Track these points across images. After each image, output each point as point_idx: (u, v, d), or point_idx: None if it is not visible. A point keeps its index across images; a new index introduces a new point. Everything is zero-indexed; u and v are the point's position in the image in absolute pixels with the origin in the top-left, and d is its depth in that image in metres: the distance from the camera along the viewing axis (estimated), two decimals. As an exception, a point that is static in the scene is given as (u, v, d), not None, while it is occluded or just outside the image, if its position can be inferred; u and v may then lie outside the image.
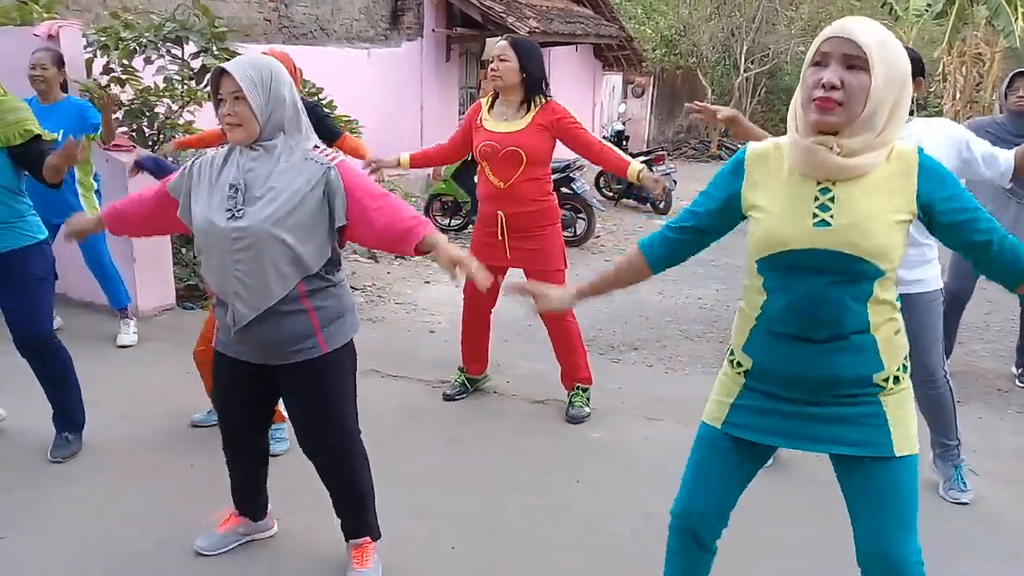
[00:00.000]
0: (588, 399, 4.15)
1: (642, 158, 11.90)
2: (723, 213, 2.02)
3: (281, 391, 2.70)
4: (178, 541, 2.96)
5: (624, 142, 12.38)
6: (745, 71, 19.49)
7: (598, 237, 9.40)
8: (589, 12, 14.73)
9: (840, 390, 1.89)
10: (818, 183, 1.84)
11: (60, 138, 4.52)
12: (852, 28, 1.77)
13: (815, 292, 1.83)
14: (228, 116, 2.41)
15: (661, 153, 12.00)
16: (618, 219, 10.88)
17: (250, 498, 2.93)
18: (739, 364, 2.02)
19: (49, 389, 3.57)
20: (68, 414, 3.62)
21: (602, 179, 12.37)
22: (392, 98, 11.00)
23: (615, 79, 18.28)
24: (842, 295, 1.83)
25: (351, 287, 6.50)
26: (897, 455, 1.89)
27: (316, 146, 2.52)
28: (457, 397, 4.31)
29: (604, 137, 13.14)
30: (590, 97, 16.38)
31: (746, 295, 1.99)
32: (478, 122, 3.99)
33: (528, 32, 11.60)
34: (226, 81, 2.40)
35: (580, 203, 8.97)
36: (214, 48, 5.27)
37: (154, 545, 2.97)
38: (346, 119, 6.16)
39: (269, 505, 3.01)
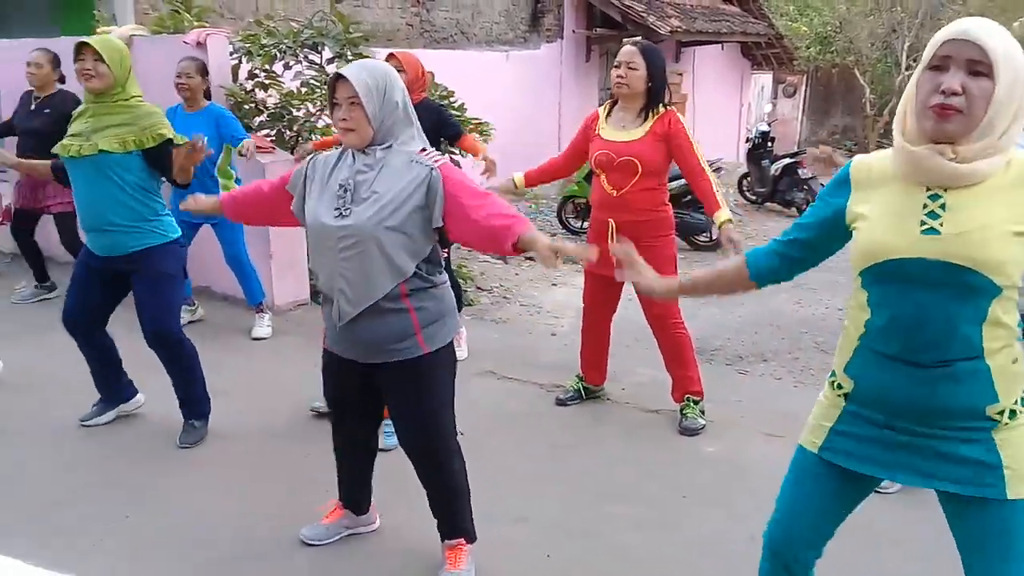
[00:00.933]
0: (702, 411, 4.00)
1: (786, 160, 11.47)
2: (828, 227, 1.89)
3: (382, 390, 2.74)
4: (287, 529, 3.06)
5: (770, 144, 11.95)
6: (907, 69, 18.41)
7: (735, 242, 9.10)
8: (736, 10, 14.32)
9: (948, 421, 1.73)
10: (928, 189, 1.69)
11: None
12: (976, 31, 1.62)
13: (922, 308, 1.68)
14: (343, 120, 2.48)
15: (806, 155, 11.51)
16: (759, 223, 10.51)
17: (355, 492, 3.00)
18: (840, 386, 1.88)
19: (175, 380, 3.77)
20: (194, 403, 3.81)
21: (744, 182, 11.99)
22: (530, 100, 11.07)
23: (764, 78, 17.69)
24: (952, 313, 1.66)
25: (478, 288, 6.61)
26: (1010, 498, 1.70)
27: (423, 149, 2.56)
28: (570, 403, 4.25)
29: (748, 139, 12.74)
30: (736, 97, 15.92)
31: (850, 314, 1.86)
32: (595, 131, 3.93)
33: (669, 31, 11.40)
34: (342, 86, 2.48)
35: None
36: (348, 53, 5.44)
37: (265, 531, 3.08)
38: (476, 121, 6.22)
39: (373, 500, 3.07)
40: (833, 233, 1.90)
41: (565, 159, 4.15)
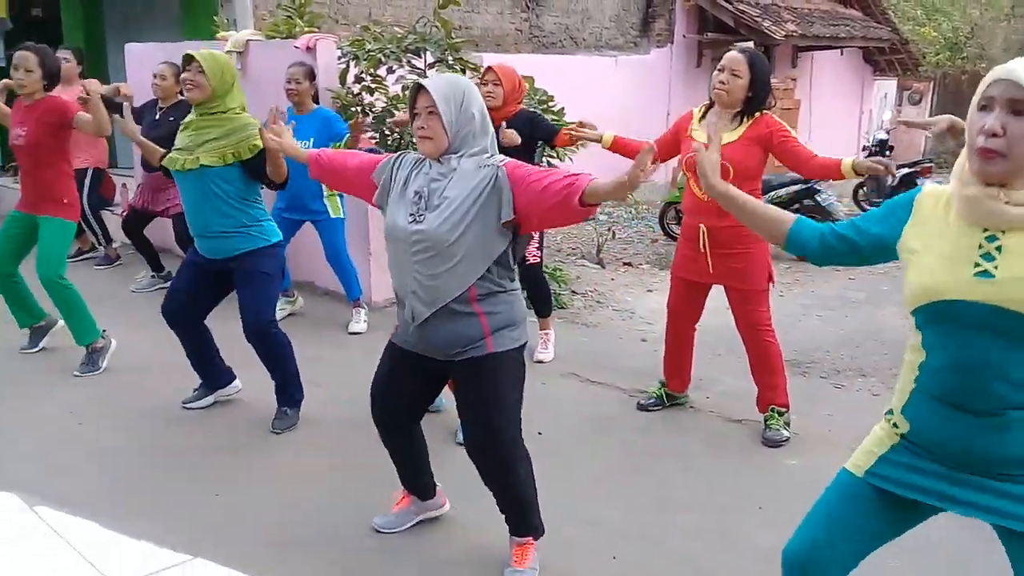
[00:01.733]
0: (787, 423, 3.91)
1: (905, 169, 10.99)
2: (878, 244, 1.86)
3: (453, 386, 2.82)
4: (362, 515, 3.17)
5: (888, 152, 11.48)
6: (1045, 76, 17.31)
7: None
8: (857, 14, 13.81)
9: (1005, 469, 1.69)
10: (985, 230, 1.65)
11: (311, 145, 5.01)
12: (1019, 70, 1.58)
13: (975, 355, 1.64)
14: (421, 129, 2.60)
15: (928, 165, 10.99)
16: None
17: (413, 479, 3.08)
18: (896, 425, 1.85)
19: (270, 370, 3.96)
20: (286, 392, 3.99)
21: (860, 191, 11.57)
22: (638, 105, 11.00)
23: (888, 85, 16.98)
24: (1006, 361, 1.62)
25: (572, 291, 6.63)
26: None
27: (491, 155, 2.64)
28: (651, 408, 4.23)
29: (865, 147, 12.28)
30: (857, 104, 15.34)
31: (908, 353, 1.81)
32: (687, 132, 3.90)
33: (784, 36, 11.13)
34: (422, 96, 2.59)
35: (824, 214, 8.45)
36: (449, 58, 5.56)
37: (340, 517, 3.20)
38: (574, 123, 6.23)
39: (438, 485, 3.15)
40: (880, 249, 1.87)
41: (657, 146, 4.12)
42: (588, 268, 7.68)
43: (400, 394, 2.89)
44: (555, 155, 5.95)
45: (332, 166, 2.99)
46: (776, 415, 3.89)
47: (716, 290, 4.00)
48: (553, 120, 5.87)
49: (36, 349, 4.92)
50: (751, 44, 3.96)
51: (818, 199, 8.52)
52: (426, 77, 5.87)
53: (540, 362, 4.88)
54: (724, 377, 4.70)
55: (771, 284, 3.88)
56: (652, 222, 9.75)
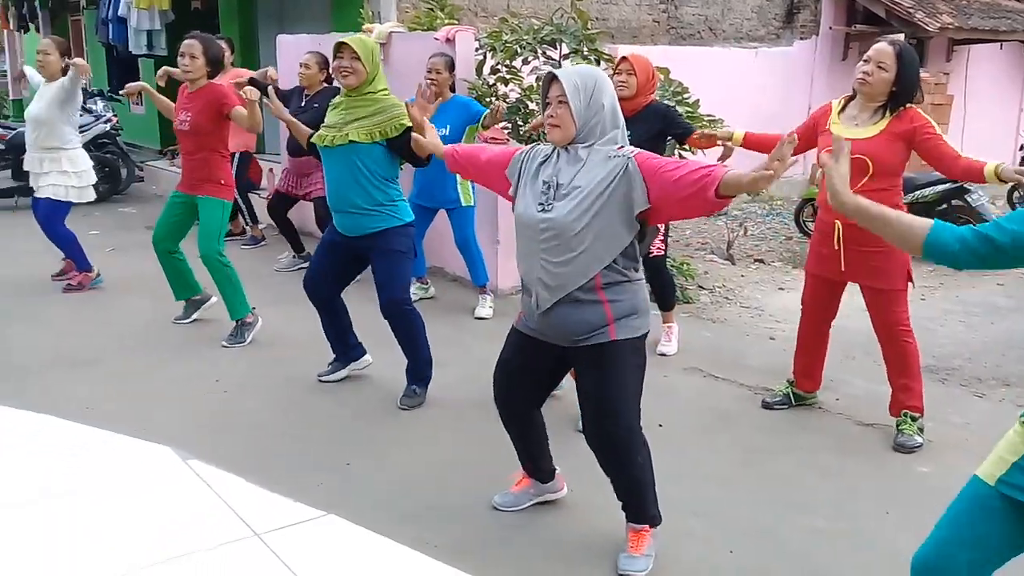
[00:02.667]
0: (921, 428, 3.76)
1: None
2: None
3: (574, 373, 2.87)
4: (481, 493, 3.28)
5: (1048, 153, 10.72)
6: None
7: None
8: (1020, 6, 12.93)
9: None
10: None
11: (448, 133, 5.17)
12: None
13: None
14: (550, 117, 2.67)
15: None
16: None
17: (533, 463, 3.15)
18: None
19: (403, 347, 4.13)
20: (417, 370, 4.15)
21: (1016, 192, 10.85)
22: (778, 99, 10.69)
23: (1055, 81, 15.81)
24: None
25: (700, 286, 6.55)
26: None
27: (621, 146, 2.67)
28: (776, 407, 4.15)
29: (1022, 146, 11.52)
30: (1016, 102, 14.39)
31: None
32: (825, 125, 3.79)
33: (939, 28, 10.57)
34: (554, 86, 2.66)
35: (974, 216, 7.99)
36: (584, 49, 5.59)
37: (460, 493, 3.32)
38: (710, 119, 6.16)
39: (557, 469, 3.21)
40: None
41: None
42: (717, 263, 7.56)
43: (522, 379, 2.96)
44: (688, 148, 5.89)
45: (467, 160, 3.11)
46: (909, 420, 3.74)
47: (856, 291, 3.89)
48: (687, 112, 5.82)
49: (188, 321, 5.30)
50: (901, 36, 3.79)
51: (968, 199, 8.05)
52: (560, 68, 5.95)
53: (663, 355, 4.87)
54: (856, 380, 4.55)
55: (910, 284, 3.74)
56: (787, 218, 9.47)
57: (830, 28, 11.40)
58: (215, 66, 4.78)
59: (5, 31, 15.54)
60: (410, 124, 3.83)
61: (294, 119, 4.32)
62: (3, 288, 6.06)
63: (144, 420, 3.88)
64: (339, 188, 3.92)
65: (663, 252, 4.92)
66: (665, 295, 4.95)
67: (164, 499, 3.22)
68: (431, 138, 3.30)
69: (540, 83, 5.89)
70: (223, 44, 6.97)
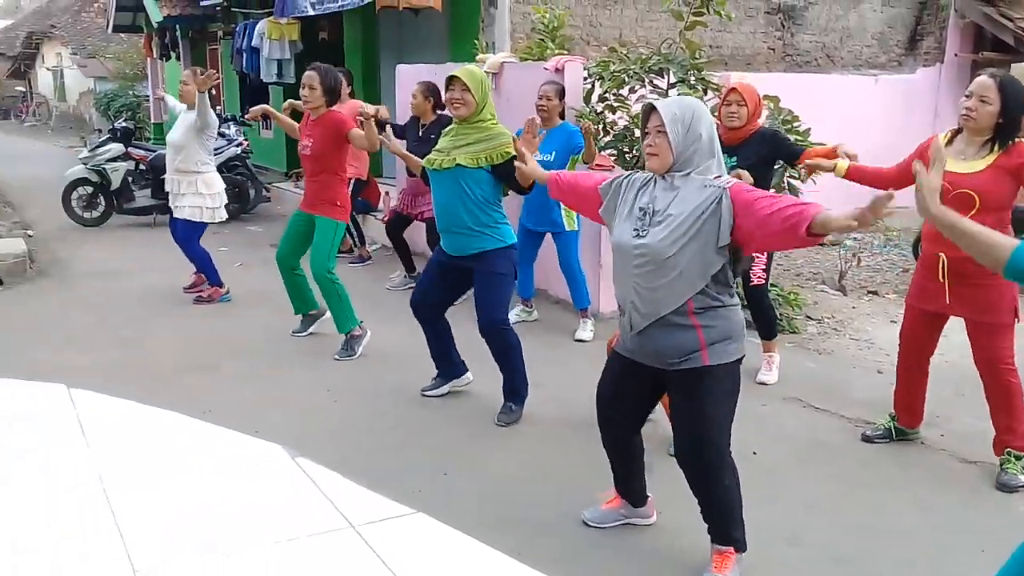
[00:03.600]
0: (1026, 468, 3.64)
1: None
2: None
3: (668, 396, 2.95)
4: (570, 508, 3.38)
5: None
6: None
7: None
8: None
9: None
10: None
11: (552, 159, 5.33)
12: None
13: None
14: (648, 146, 2.78)
15: None
16: None
17: (627, 484, 3.23)
18: None
19: (500, 366, 4.29)
20: (514, 388, 4.30)
21: None
22: (897, 127, 10.37)
23: None
24: None
25: (808, 316, 6.46)
26: None
27: (717, 176, 2.74)
28: (877, 440, 4.08)
29: None
30: None
31: None
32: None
33: (1075, 55, 10.06)
34: (653, 116, 2.77)
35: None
36: (691, 78, 5.65)
37: (551, 506, 3.43)
38: (819, 145, 6.09)
39: (650, 496, 3.27)
40: None
41: (895, 172, 3.96)
42: (828, 294, 7.41)
43: (624, 399, 3.06)
44: (796, 175, 5.85)
45: (569, 186, 3.24)
46: (1013, 459, 3.63)
47: (962, 325, 3.80)
48: (798, 140, 5.78)
49: (305, 333, 5.62)
50: (996, 70, 3.68)
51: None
52: (667, 97, 6.02)
53: (763, 384, 4.84)
54: (963, 416, 4.41)
55: (1017, 320, 3.63)
56: (905, 249, 9.17)
57: (955, 55, 11.01)
58: (331, 95, 5.09)
59: (149, 59, 16.69)
60: (514, 154, 4.00)
61: (407, 153, 4.62)
62: (143, 298, 6.58)
63: (259, 421, 4.18)
64: (446, 209, 4.12)
65: (764, 281, 4.91)
66: (766, 325, 4.93)
67: (273, 490, 3.52)
68: (532, 167, 3.45)
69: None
70: (341, 75, 7.41)
